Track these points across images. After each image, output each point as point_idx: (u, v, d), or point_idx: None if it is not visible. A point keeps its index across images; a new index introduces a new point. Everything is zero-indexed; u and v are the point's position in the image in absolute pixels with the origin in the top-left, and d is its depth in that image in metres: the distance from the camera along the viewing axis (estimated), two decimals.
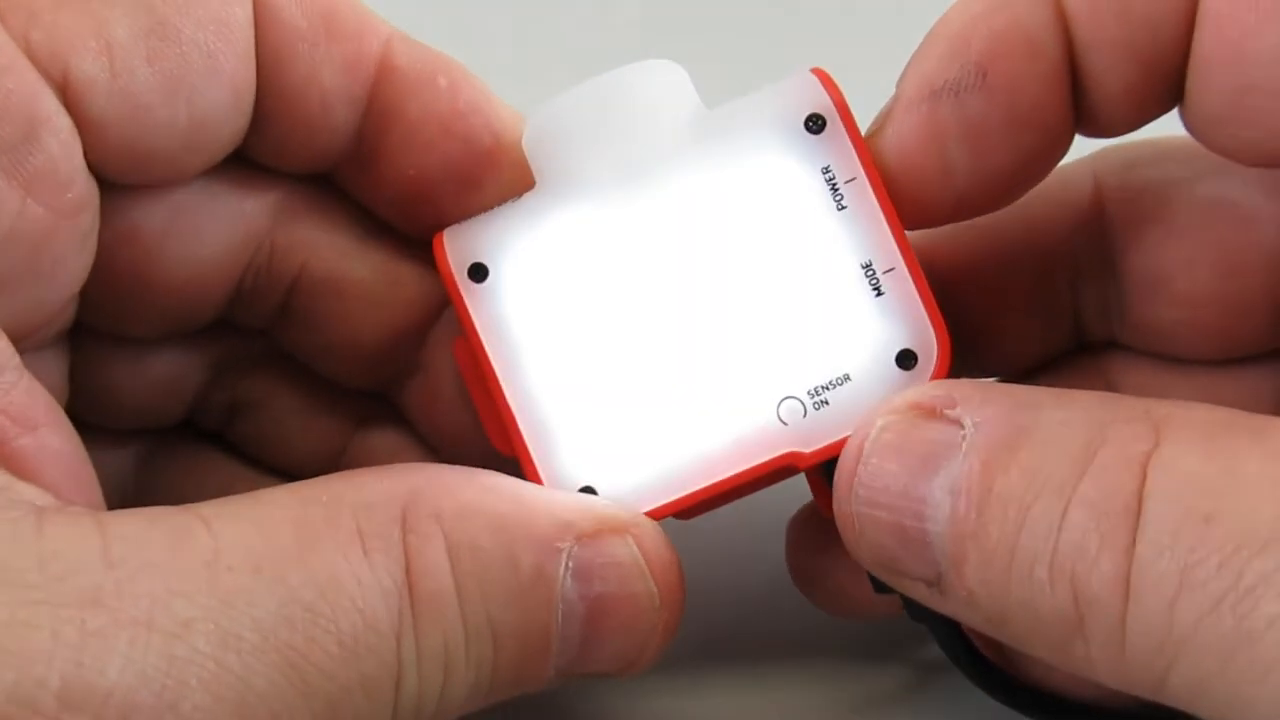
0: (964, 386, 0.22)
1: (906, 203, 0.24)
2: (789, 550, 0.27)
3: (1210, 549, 0.19)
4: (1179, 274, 0.26)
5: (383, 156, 0.25)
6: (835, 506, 0.23)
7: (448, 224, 0.25)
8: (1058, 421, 0.21)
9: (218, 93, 0.23)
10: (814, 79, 0.24)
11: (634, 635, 0.23)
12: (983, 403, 0.22)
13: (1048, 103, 0.23)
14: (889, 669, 0.28)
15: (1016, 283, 0.27)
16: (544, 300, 0.24)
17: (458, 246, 0.24)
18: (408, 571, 0.21)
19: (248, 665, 0.19)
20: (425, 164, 0.25)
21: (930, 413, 0.22)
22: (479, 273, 0.24)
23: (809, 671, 0.28)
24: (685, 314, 0.24)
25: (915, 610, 0.24)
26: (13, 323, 0.22)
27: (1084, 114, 0.24)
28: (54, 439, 0.22)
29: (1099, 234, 0.27)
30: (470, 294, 0.24)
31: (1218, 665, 0.18)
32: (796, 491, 0.25)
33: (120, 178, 0.24)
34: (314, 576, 0.20)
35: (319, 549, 0.20)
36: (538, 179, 0.25)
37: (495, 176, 0.25)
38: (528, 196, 0.25)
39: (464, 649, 0.21)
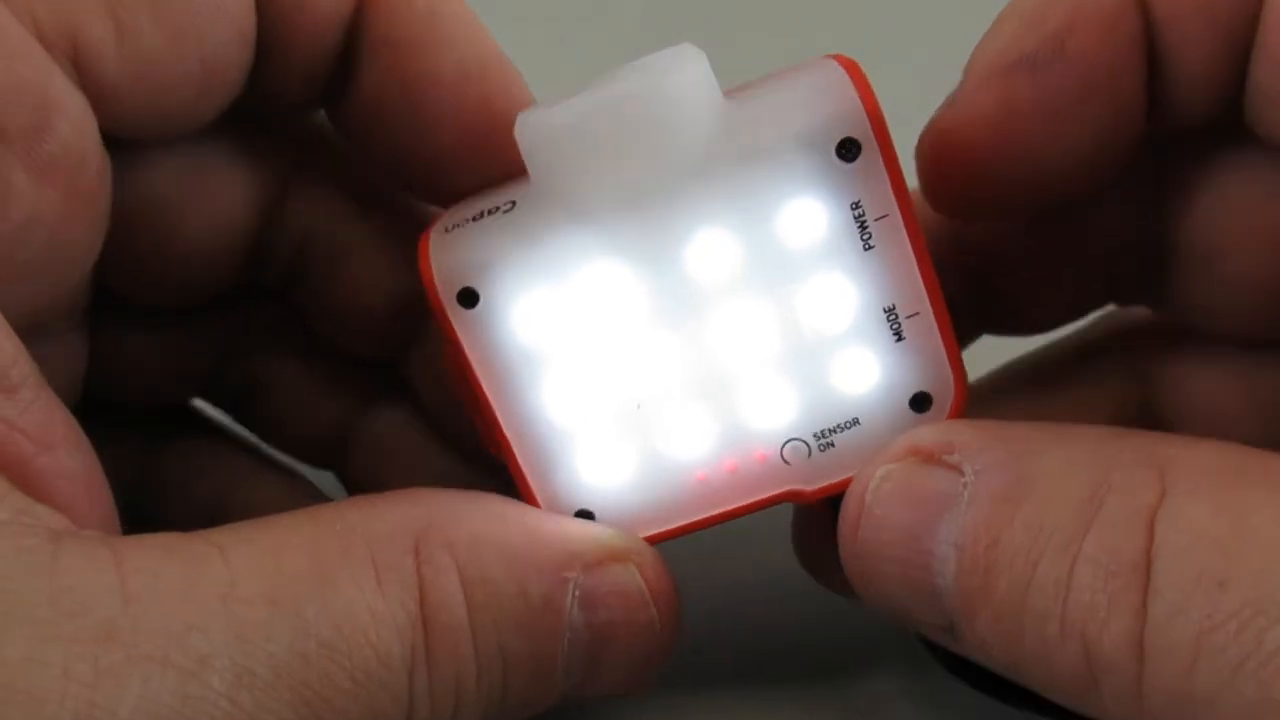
0: (962, 431, 0.22)
1: (979, 188, 0.23)
2: (795, 533, 0.27)
3: (1227, 614, 0.18)
4: (1232, 253, 0.24)
5: (352, 80, 0.24)
6: (841, 553, 0.23)
7: (416, 170, 0.24)
8: (1059, 469, 0.20)
9: (226, 32, 0.23)
10: (851, 91, 0.21)
11: (636, 659, 0.23)
12: (981, 449, 0.21)
13: (1125, 76, 0.22)
14: (885, 669, 0.28)
15: (1054, 243, 0.26)
16: (539, 327, 0.23)
17: (445, 266, 0.22)
18: (422, 604, 0.21)
19: (260, 704, 0.19)
20: (384, 92, 0.24)
21: (929, 458, 0.21)
22: (469, 298, 0.22)
23: (806, 671, 0.28)
24: (691, 347, 0.23)
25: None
26: (35, 309, 0.22)
27: (1163, 101, 0.23)
28: (71, 458, 0.22)
29: (1149, 204, 0.25)
30: (460, 321, 0.22)
31: None
32: None
33: (137, 136, 0.23)
34: (329, 609, 0.20)
35: (334, 580, 0.20)
36: (533, 178, 0.22)
37: (459, 120, 0.24)
38: (520, 208, 0.22)
39: (475, 679, 0.21)
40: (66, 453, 0.21)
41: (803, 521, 0.27)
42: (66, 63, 0.21)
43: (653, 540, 0.24)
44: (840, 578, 0.27)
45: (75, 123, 0.21)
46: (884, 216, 0.21)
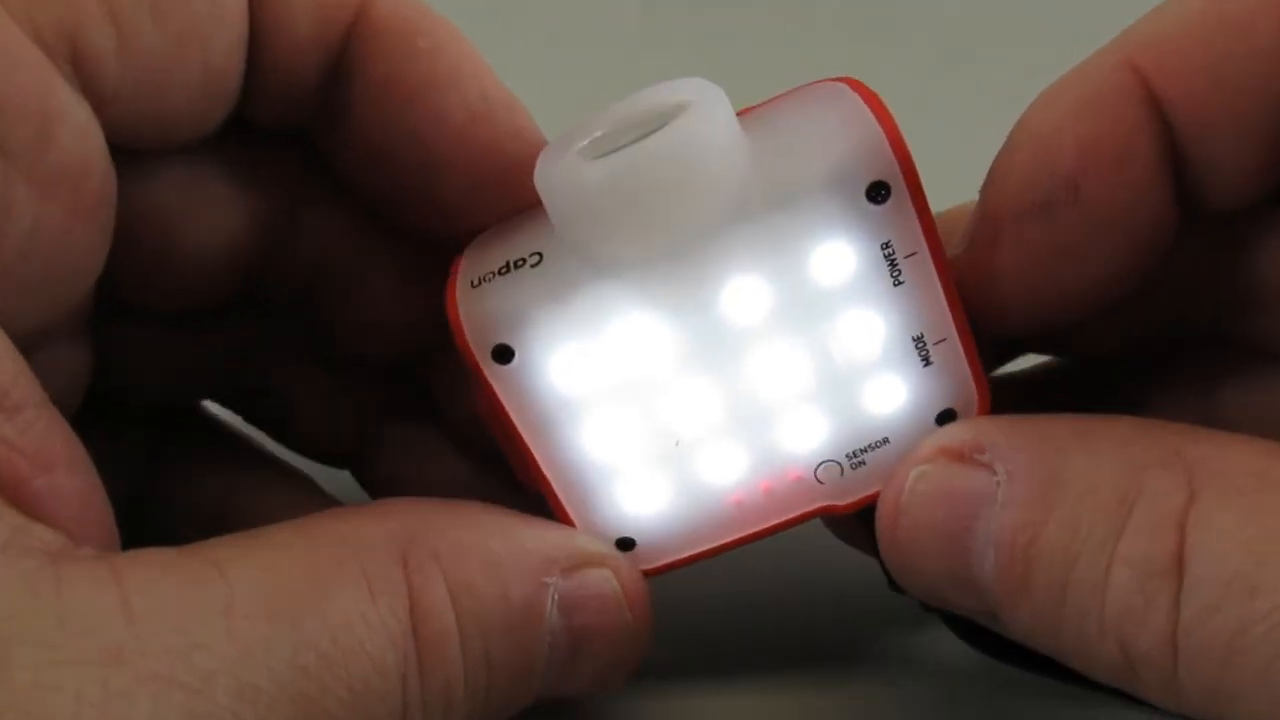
0: (989, 429, 0.22)
1: (995, 322, 0.23)
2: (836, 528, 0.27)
3: (1257, 617, 0.19)
4: None
5: (347, 120, 0.23)
6: (881, 550, 0.24)
7: (422, 210, 0.23)
8: (1090, 470, 0.21)
9: (227, 36, 0.22)
10: (879, 135, 0.21)
11: (613, 659, 0.24)
12: (1010, 448, 0.22)
13: (1146, 208, 0.22)
14: (890, 670, 0.28)
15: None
16: (574, 379, 0.23)
17: (477, 322, 0.22)
18: (412, 613, 0.21)
19: (263, 717, 0.19)
20: (389, 135, 0.23)
21: (960, 457, 0.22)
22: (504, 354, 0.22)
23: (808, 673, 0.28)
24: (726, 388, 0.23)
25: (962, 632, 0.26)
26: (38, 322, 0.22)
27: (1196, 207, 0.22)
28: (70, 478, 0.22)
29: (1214, 247, 0.25)
30: (496, 376, 0.22)
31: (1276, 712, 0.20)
32: None
33: (140, 144, 0.23)
34: (326, 621, 0.20)
35: (330, 593, 0.21)
36: (557, 226, 0.22)
37: (471, 163, 0.23)
38: (549, 262, 0.22)
39: (463, 683, 0.22)
40: (66, 473, 0.21)
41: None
42: (67, 68, 0.21)
43: (693, 560, 0.25)
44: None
45: (78, 133, 0.21)
46: (913, 254, 0.22)
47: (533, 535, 0.23)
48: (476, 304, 0.22)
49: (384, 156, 0.23)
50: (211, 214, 0.24)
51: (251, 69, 0.23)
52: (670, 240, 0.21)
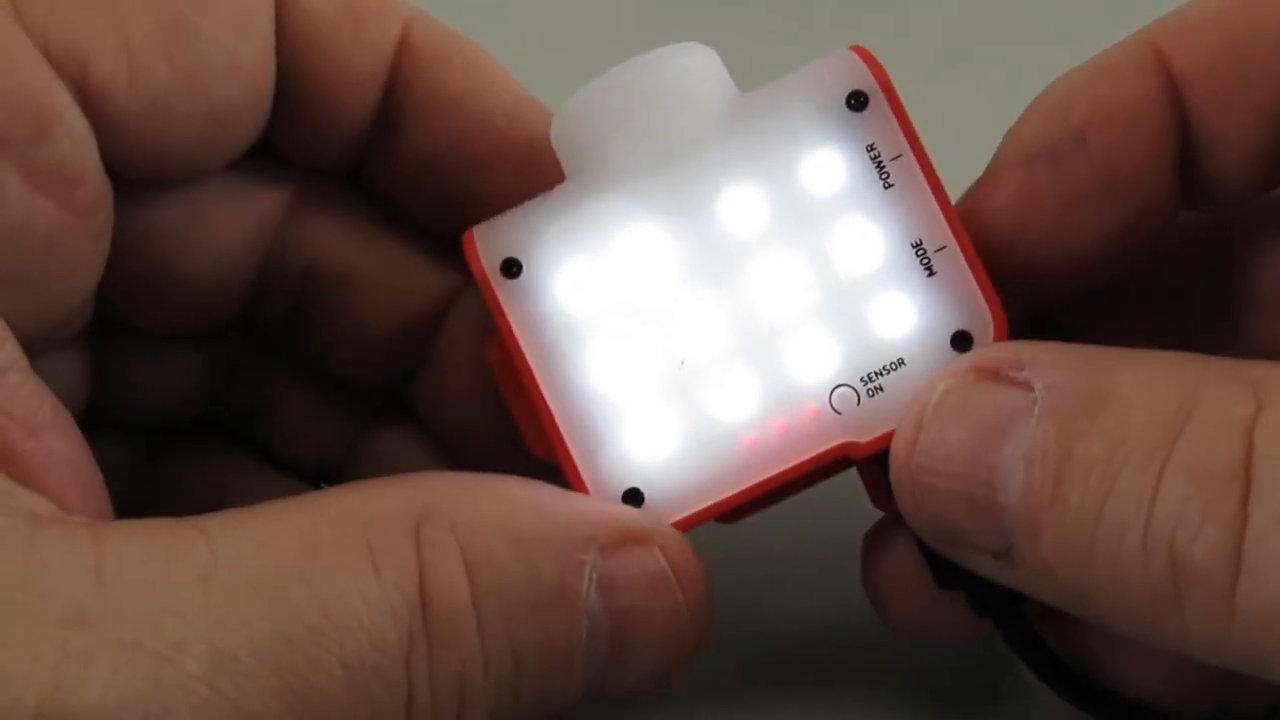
0: (1031, 348, 0.21)
1: (998, 268, 0.23)
2: (865, 566, 0.26)
3: None
4: None
5: (396, 137, 0.25)
6: (893, 475, 0.22)
7: (463, 211, 0.24)
8: (1141, 384, 0.20)
9: (236, 88, 0.23)
10: (853, 56, 0.23)
11: (664, 650, 0.22)
12: (1053, 365, 0.21)
13: (1149, 173, 0.23)
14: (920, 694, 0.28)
15: (1120, 293, 0.26)
16: (581, 295, 0.23)
17: (489, 242, 0.23)
18: (421, 589, 0.20)
19: (242, 689, 0.18)
20: (437, 142, 0.25)
21: (995, 376, 0.21)
22: (512, 268, 0.23)
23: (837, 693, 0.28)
24: (730, 302, 0.23)
25: (979, 603, 0.23)
26: (28, 322, 0.22)
27: (1202, 184, 0.23)
28: (60, 444, 0.21)
29: (1217, 247, 0.26)
30: (504, 290, 0.23)
31: None
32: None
33: (140, 175, 0.23)
34: (317, 594, 0.19)
35: (324, 566, 0.19)
36: (568, 172, 0.24)
37: (510, 159, 0.25)
38: (559, 189, 0.24)
39: (482, 669, 0.20)
40: (55, 439, 0.21)
41: (874, 552, 0.26)
42: (72, 86, 0.22)
43: (708, 513, 0.23)
44: (908, 616, 0.26)
45: (74, 138, 0.22)
46: (898, 156, 0.23)
47: (568, 509, 0.22)
48: (489, 230, 0.23)
49: (432, 163, 0.25)
50: (211, 239, 0.25)
51: (303, 112, 0.24)
52: (663, 148, 0.23)
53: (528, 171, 0.25)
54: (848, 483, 0.24)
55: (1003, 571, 0.21)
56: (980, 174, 0.24)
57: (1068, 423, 0.20)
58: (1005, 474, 0.20)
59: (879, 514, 0.25)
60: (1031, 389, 0.20)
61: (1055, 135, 0.23)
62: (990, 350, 0.22)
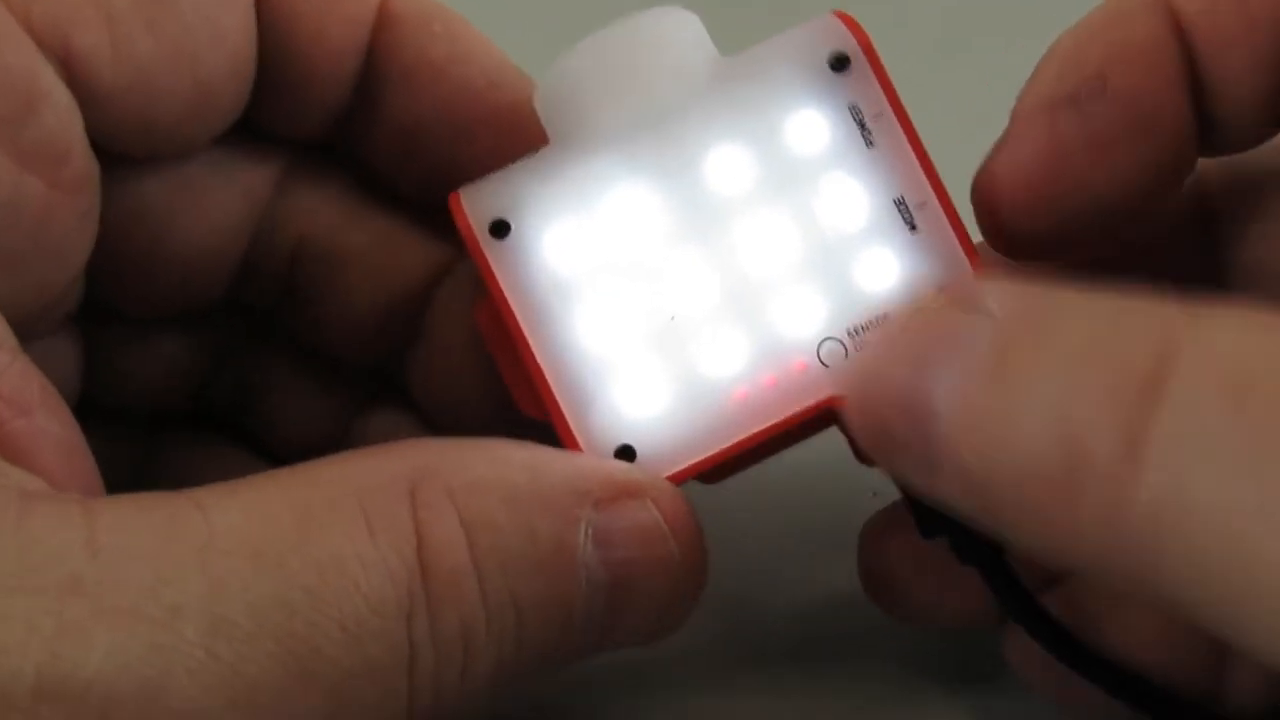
0: (991, 281, 0.21)
1: (1036, 227, 0.23)
2: (862, 556, 0.26)
3: (1239, 421, 0.17)
4: None
5: (378, 106, 0.25)
6: (846, 380, 0.22)
7: (448, 180, 0.24)
8: (1084, 306, 0.19)
9: (220, 58, 0.23)
10: (835, 19, 0.24)
11: (661, 600, 0.22)
12: (1005, 292, 0.20)
13: (1170, 108, 0.23)
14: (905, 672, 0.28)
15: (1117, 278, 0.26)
16: (569, 254, 0.23)
17: (476, 204, 0.23)
18: (420, 549, 0.20)
19: (240, 653, 0.18)
20: (420, 110, 0.25)
21: (953, 300, 0.20)
22: (500, 229, 0.23)
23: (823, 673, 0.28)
24: (717, 260, 0.23)
25: (962, 551, 0.23)
26: (17, 303, 0.22)
27: (1212, 127, 0.24)
28: (50, 423, 0.21)
29: (1199, 224, 0.26)
30: (493, 251, 0.23)
31: (1231, 545, 0.16)
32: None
33: (127, 150, 0.23)
34: (314, 559, 0.19)
35: (320, 532, 0.19)
36: (552, 136, 0.24)
37: (492, 125, 0.25)
38: (545, 151, 0.24)
39: (484, 626, 0.20)
40: (44, 417, 0.21)
41: (872, 542, 0.26)
42: (57, 64, 0.22)
43: (700, 468, 0.23)
44: (907, 602, 0.26)
45: (61, 115, 0.22)
46: (879, 115, 0.23)
47: (561, 466, 0.22)
48: (476, 191, 0.24)
49: (415, 131, 0.25)
50: (199, 217, 0.25)
51: (282, 83, 0.25)
52: (648, 110, 0.23)
53: (510, 137, 0.25)
54: (840, 469, 0.25)
55: (929, 480, 0.20)
56: (978, 164, 0.24)
57: (1009, 335, 0.19)
58: (943, 383, 0.20)
59: (872, 507, 0.26)
60: (984, 312, 0.20)
61: (1075, 81, 0.23)
62: (952, 283, 0.22)
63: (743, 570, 0.29)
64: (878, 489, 0.26)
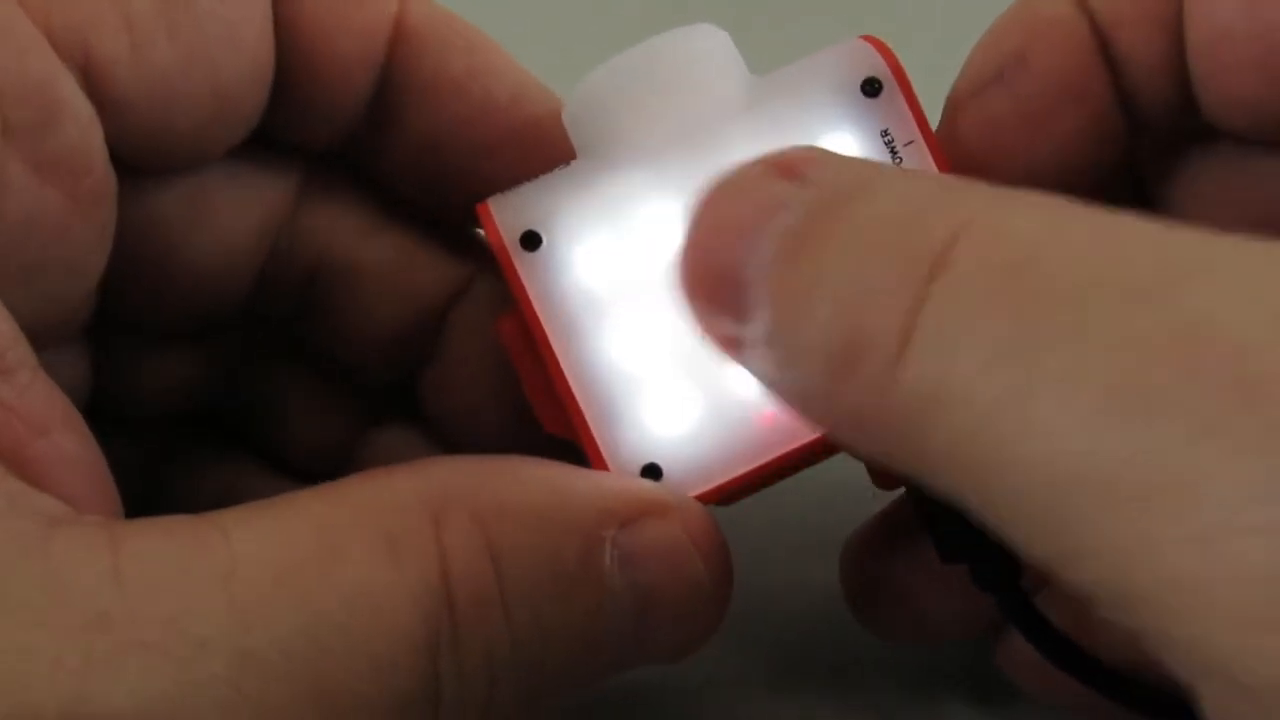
0: (817, 150, 0.21)
1: None
2: (845, 572, 0.26)
3: (1005, 301, 0.16)
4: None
5: (397, 121, 0.25)
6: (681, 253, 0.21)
7: (467, 196, 0.24)
8: (899, 184, 0.19)
9: (239, 64, 0.23)
10: (867, 45, 0.24)
11: (687, 619, 0.22)
12: (826, 163, 0.20)
13: (1089, 79, 0.24)
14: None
15: None
16: (601, 269, 0.23)
17: (506, 215, 0.23)
18: (445, 577, 0.20)
19: (268, 688, 0.18)
20: (438, 126, 0.25)
21: (778, 169, 0.20)
22: (532, 241, 0.23)
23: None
24: None
25: (982, 579, 0.24)
26: (34, 317, 0.21)
27: (1127, 98, 0.24)
28: (70, 443, 0.21)
29: (1135, 190, 0.26)
30: (523, 263, 0.23)
31: (981, 422, 0.16)
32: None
33: (145, 160, 0.23)
34: (339, 588, 0.19)
35: (344, 558, 0.19)
36: (581, 152, 0.24)
37: (514, 141, 0.25)
38: (575, 165, 0.24)
39: (510, 653, 0.20)
40: (65, 437, 0.21)
41: (855, 556, 0.27)
42: (77, 72, 0.21)
43: (726, 488, 0.23)
44: (891, 618, 0.26)
45: (80, 127, 0.21)
46: (910, 142, 0.24)
47: (585, 486, 0.22)
48: (506, 202, 0.24)
49: (435, 146, 0.25)
50: (214, 230, 0.25)
51: (294, 93, 0.24)
52: (680, 128, 0.23)
53: (532, 153, 0.25)
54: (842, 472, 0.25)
55: (739, 350, 0.20)
56: None
57: (820, 209, 0.19)
58: (756, 254, 0.19)
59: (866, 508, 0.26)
60: (806, 182, 0.20)
61: (998, 61, 0.24)
62: (788, 149, 0.21)
63: (743, 570, 0.30)
64: (878, 490, 0.26)
